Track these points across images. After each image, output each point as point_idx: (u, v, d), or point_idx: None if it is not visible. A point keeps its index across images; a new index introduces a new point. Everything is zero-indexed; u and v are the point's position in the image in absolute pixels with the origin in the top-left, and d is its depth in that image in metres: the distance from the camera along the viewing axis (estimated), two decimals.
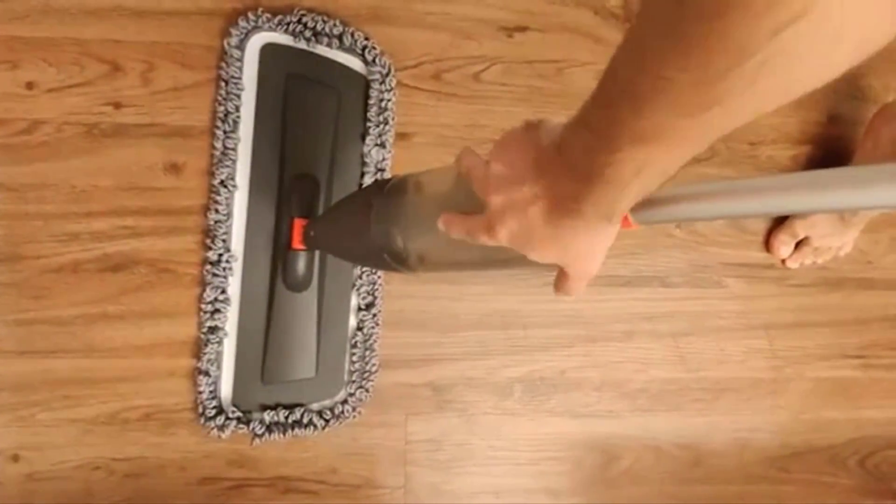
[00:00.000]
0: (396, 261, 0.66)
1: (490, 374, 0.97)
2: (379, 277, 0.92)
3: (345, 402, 0.92)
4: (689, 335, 1.01)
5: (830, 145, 1.01)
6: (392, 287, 0.94)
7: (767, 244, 1.01)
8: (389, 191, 0.67)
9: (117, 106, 0.88)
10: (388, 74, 0.92)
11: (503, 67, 0.96)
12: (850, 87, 1.02)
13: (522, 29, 0.96)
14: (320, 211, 0.89)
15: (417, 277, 0.93)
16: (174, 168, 0.89)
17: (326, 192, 0.90)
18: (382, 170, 0.92)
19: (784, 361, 1.03)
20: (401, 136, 0.94)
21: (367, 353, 0.93)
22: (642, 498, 1.00)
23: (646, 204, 0.46)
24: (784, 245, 0.99)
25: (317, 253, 0.90)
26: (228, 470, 0.92)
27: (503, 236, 0.50)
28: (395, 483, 0.96)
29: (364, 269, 0.92)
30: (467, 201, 0.55)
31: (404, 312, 0.95)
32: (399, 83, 0.94)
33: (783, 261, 1.02)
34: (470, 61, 0.95)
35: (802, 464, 1.04)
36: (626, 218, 0.48)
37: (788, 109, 1.00)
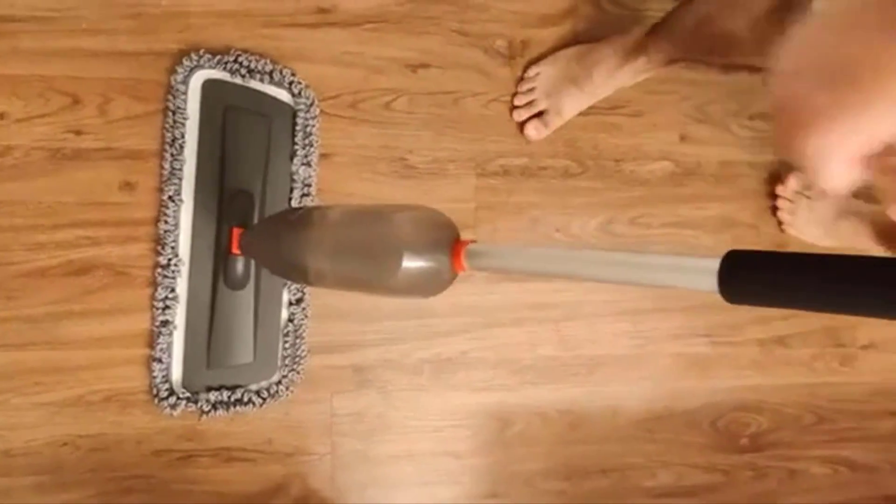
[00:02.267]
0: (301, 277, 0.86)
1: (404, 356, 1.19)
2: None
3: (279, 382, 1.13)
4: (567, 320, 1.25)
5: (681, 160, 1.27)
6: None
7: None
8: (299, 218, 0.87)
9: (78, 133, 1.07)
10: (311, 104, 1.13)
11: (409, 98, 1.18)
12: (697, 111, 1.28)
13: (425, 66, 1.19)
14: (255, 221, 1.10)
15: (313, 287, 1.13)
16: (128, 186, 1.08)
17: (260, 205, 1.11)
18: (309, 185, 1.13)
19: (646, 340, 1.28)
20: (323, 157, 1.15)
21: (298, 341, 1.14)
22: (532, 456, 1.24)
23: (479, 255, 0.68)
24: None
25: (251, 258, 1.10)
26: (178, 443, 1.12)
27: None
28: (323, 450, 1.17)
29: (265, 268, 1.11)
30: (362, 245, 0.76)
31: (331, 306, 1.17)
32: (322, 112, 1.15)
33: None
34: (381, 93, 1.17)
35: (664, 426, 1.30)
36: (460, 263, 0.69)
37: (647, 131, 1.26)
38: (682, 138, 1.27)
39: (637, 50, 1.10)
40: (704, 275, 0.50)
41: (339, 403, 1.17)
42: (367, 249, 0.76)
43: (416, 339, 1.19)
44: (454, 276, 0.70)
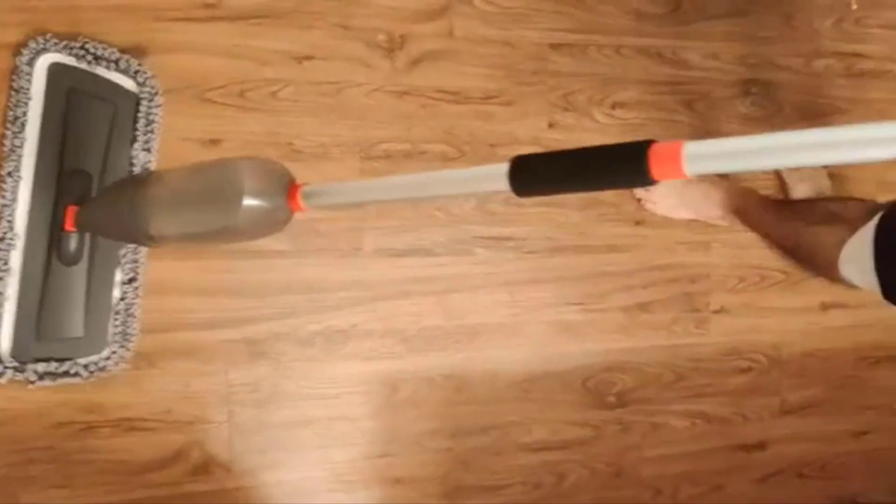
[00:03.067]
0: (145, 238, 0.94)
1: (295, 329, 1.30)
2: (141, 256, 1.19)
3: (108, 358, 1.18)
4: (450, 292, 1.37)
5: (550, 145, 1.41)
6: (211, 262, 1.24)
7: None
8: (137, 182, 0.94)
9: None
10: (155, 94, 1.19)
11: (294, 88, 1.28)
12: (563, 101, 1.42)
13: (309, 58, 1.28)
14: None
15: (162, 249, 1.19)
16: None
17: (98, 185, 1.14)
18: (147, 169, 1.18)
19: (523, 310, 1.41)
20: (213, 143, 1.24)
21: (129, 318, 1.19)
22: (420, 418, 1.37)
23: (313, 195, 0.79)
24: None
25: (87, 235, 1.14)
26: (80, 415, 1.19)
27: None
28: (221, 419, 1.27)
29: (127, 250, 1.17)
30: (202, 193, 0.86)
31: (223, 282, 1.26)
32: (210, 100, 1.24)
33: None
34: (267, 83, 1.27)
35: (540, 386, 1.44)
36: (297, 202, 0.79)
37: (518, 118, 1.39)
38: (551, 125, 1.40)
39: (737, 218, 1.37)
40: (498, 178, 0.65)
41: (234, 375, 1.27)
42: (208, 197, 0.85)
43: (307, 314, 1.29)
44: (291, 215, 0.81)
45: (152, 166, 1.19)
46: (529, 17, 1.37)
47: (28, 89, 1.12)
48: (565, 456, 1.45)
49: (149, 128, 1.19)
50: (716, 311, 1.51)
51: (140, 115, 1.18)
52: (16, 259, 1.13)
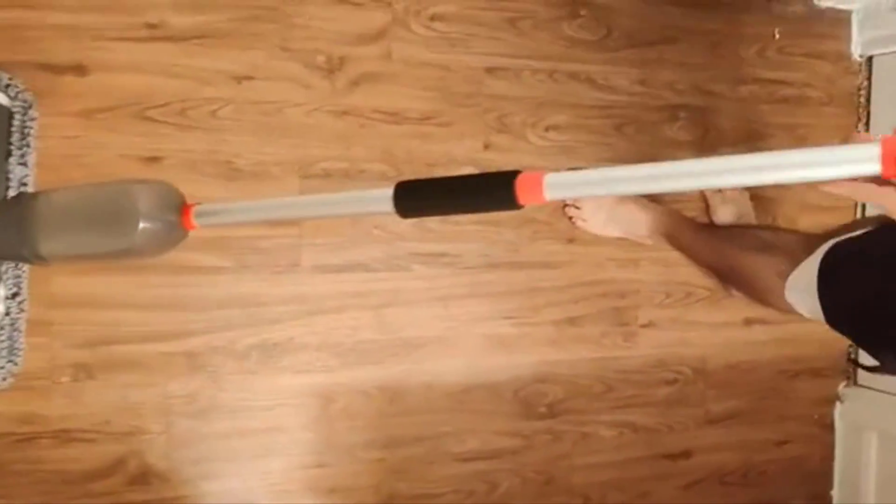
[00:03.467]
0: (34, 257, 0.93)
1: (233, 342, 1.34)
2: (23, 272, 1.17)
3: None
4: (386, 307, 1.43)
5: (485, 166, 1.47)
6: (151, 277, 1.28)
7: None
8: (22, 203, 0.95)
9: None
10: (29, 107, 1.17)
11: (234, 107, 1.32)
12: (499, 123, 1.48)
13: (249, 78, 1.33)
14: None
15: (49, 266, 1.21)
16: None
17: None
18: (25, 184, 1.16)
19: (457, 323, 1.47)
20: (153, 160, 1.28)
21: (15, 333, 1.17)
22: (354, 429, 1.42)
23: (206, 214, 0.84)
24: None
25: None
26: (19, 426, 1.22)
27: None
28: (159, 429, 1.31)
29: (8, 265, 1.15)
30: (97, 215, 0.88)
31: (163, 297, 1.30)
32: (150, 118, 1.28)
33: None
34: (208, 102, 1.31)
35: (473, 398, 1.50)
36: (190, 221, 0.83)
37: (455, 139, 1.45)
38: (486, 146, 1.46)
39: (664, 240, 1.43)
40: (384, 201, 0.72)
41: (172, 387, 1.31)
42: (104, 219, 0.88)
43: (244, 327, 1.34)
44: (186, 234, 0.86)
45: (30, 181, 1.18)
46: (466, 42, 1.43)
47: None
48: (497, 465, 1.51)
49: (24, 141, 1.16)
50: (644, 326, 1.58)
51: (14, 129, 1.16)
52: None
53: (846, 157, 0.55)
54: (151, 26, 1.27)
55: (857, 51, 1.68)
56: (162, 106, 1.28)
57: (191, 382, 1.31)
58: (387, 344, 1.43)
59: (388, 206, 0.72)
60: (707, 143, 1.57)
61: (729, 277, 1.34)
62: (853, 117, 1.69)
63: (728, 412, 1.67)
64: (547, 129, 1.49)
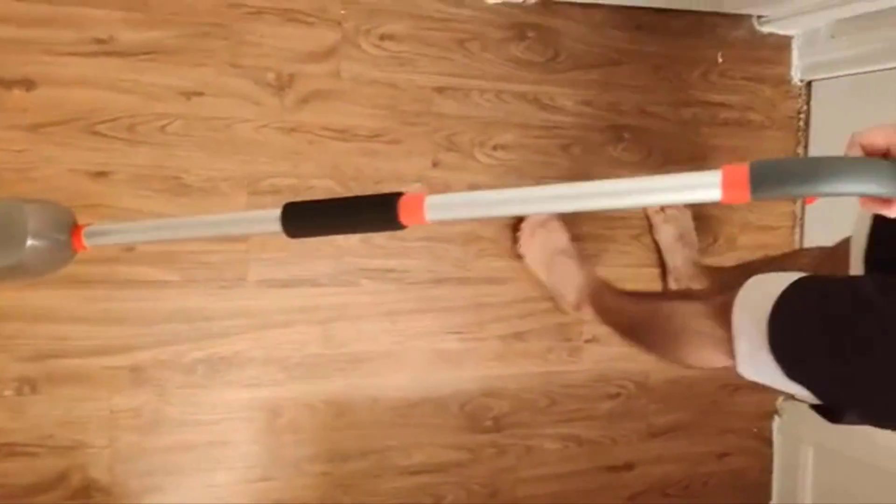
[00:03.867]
0: None
1: (179, 356, 1.35)
2: None
3: None
4: (333, 321, 1.45)
5: (433, 183, 1.50)
6: (97, 291, 1.30)
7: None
8: None
9: None
10: None
11: (184, 122, 1.34)
12: (447, 141, 1.51)
13: (199, 94, 1.35)
14: None
15: None
16: None
17: None
18: None
19: (404, 338, 1.50)
20: (100, 175, 1.29)
21: None
22: (300, 442, 1.44)
23: (96, 234, 0.87)
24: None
25: None
26: None
27: None
28: (103, 444, 1.32)
29: None
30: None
31: (109, 311, 1.31)
32: (99, 133, 1.29)
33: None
34: (157, 117, 1.32)
35: (420, 412, 1.53)
36: (80, 242, 0.84)
37: (403, 157, 1.48)
38: (435, 164, 1.50)
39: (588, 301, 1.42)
40: (272, 221, 0.77)
41: (117, 401, 1.32)
42: None
43: (190, 342, 1.35)
44: (74, 254, 0.89)
45: None
46: (415, 62, 1.46)
47: None
48: (442, 478, 1.54)
49: None
50: (588, 341, 1.63)
51: None
52: None
53: (691, 184, 0.63)
54: (100, 41, 1.28)
55: (797, 76, 1.74)
56: (111, 121, 1.30)
57: (136, 397, 1.33)
58: (333, 358, 1.45)
59: (276, 226, 0.76)
60: (650, 163, 1.62)
61: (646, 328, 1.26)
62: (793, 141, 1.75)
63: (670, 425, 1.72)
64: (495, 147, 1.53)
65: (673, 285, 1.62)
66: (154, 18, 1.31)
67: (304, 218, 0.77)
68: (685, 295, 1.12)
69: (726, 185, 0.61)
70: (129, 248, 1.31)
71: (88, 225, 0.88)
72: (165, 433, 1.35)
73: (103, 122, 1.29)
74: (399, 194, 0.72)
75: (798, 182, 0.61)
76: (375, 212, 0.73)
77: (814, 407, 0.99)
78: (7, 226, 0.90)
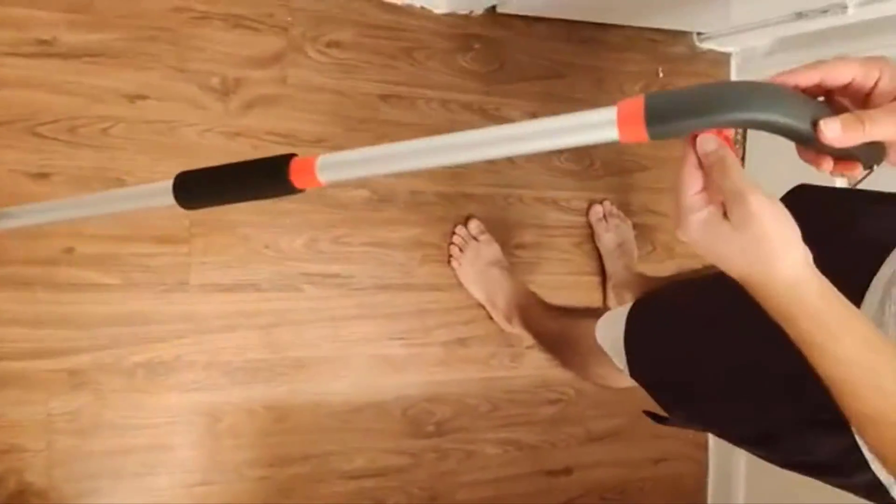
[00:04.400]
0: None
1: (119, 360, 1.35)
2: None
3: None
4: (276, 326, 1.47)
5: (378, 189, 1.53)
6: (38, 294, 1.29)
7: None
8: None
9: None
10: None
11: (126, 125, 1.34)
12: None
13: (143, 97, 1.35)
14: None
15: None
16: None
17: None
18: None
19: (347, 344, 1.52)
20: (41, 176, 1.29)
21: None
22: (240, 447, 1.45)
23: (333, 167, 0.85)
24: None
25: None
26: None
27: None
28: (39, 447, 1.31)
29: None
30: None
31: (49, 314, 1.31)
32: (40, 135, 1.29)
33: None
34: (99, 120, 1.32)
35: (362, 417, 1.55)
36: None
37: None
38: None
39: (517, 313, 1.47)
40: (165, 193, 0.76)
41: (55, 404, 1.32)
42: None
43: (130, 345, 1.36)
44: None
45: None
46: (361, 69, 1.49)
47: None
48: (383, 482, 1.57)
49: None
50: (529, 347, 1.66)
51: None
52: None
53: (586, 123, 0.59)
54: (43, 42, 1.29)
55: None
56: (52, 122, 1.30)
57: (74, 400, 1.33)
58: (275, 363, 1.47)
59: (169, 198, 0.75)
60: (590, 173, 1.67)
61: (561, 344, 1.34)
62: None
63: (608, 431, 1.77)
64: None
65: (611, 292, 1.67)
66: (99, 21, 1.31)
67: (197, 186, 0.76)
68: (596, 314, 1.18)
69: (622, 122, 0.57)
70: (69, 250, 1.31)
71: None
72: (104, 437, 1.35)
73: (45, 123, 1.29)
74: (291, 156, 0.70)
75: (695, 111, 0.56)
76: (268, 175, 0.72)
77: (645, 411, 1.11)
78: None
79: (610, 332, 1.10)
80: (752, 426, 0.92)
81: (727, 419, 0.96)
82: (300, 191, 0.71)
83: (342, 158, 0.70)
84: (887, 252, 0.77)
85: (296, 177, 0.70)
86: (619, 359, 1.06)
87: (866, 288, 0.76)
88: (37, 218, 0.92)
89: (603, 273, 1.69)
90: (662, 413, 1.05)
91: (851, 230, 0.85)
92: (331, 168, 0.70)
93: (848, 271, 0.62)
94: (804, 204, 0.66)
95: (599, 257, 1.69)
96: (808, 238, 0.58)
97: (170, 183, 0.75)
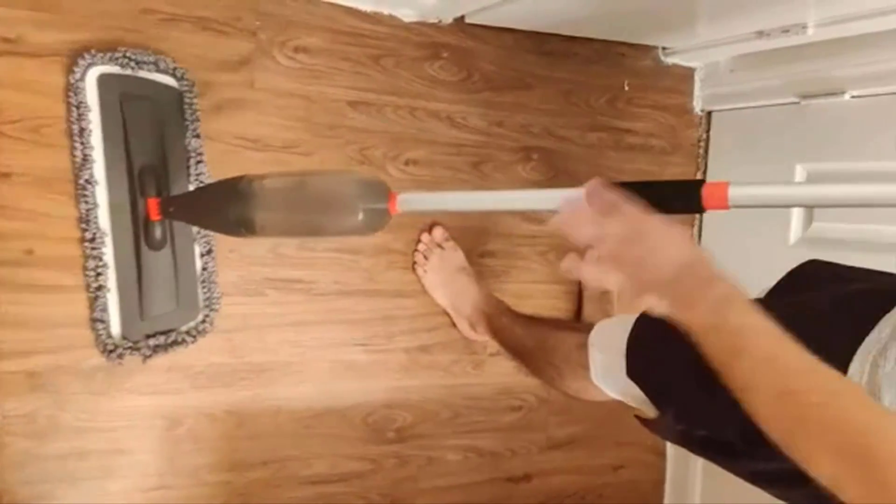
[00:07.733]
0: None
1: (77, 362, 1.35)
2: (210, 233, 1.36)
3: (203, 321, 1.39)
4: (239, 331, 1.47)
5: None
6: None
7: None
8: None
9: None
10: (192, 86, 1.35)
11: None
12: (360, 154, 1.55)
13: None
14: (164, 190, 1.30)
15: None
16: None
17: (166, 176, 1.31)
18: (201, 153, 1.36)
19: (309, 349, 1.53)
20: (3, 176, 1.29)
21: (212, 285, 1.39)
22: (199, 451, 1.45)
23: (407, 202, 1.00)
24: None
25: (167, 221, 1.29)
26: None
27: None
28: None
29: (202, 228, 1.34)
30: (323, 194, 1.07)
31: (6, 315, 1.29)
32: (3, 134, 1.29)
33: None
34: (63, 120, 1.33)
35: (322, 422, 1.56)
36: (394, 206, 1.00)
37: (316, 166, 1.51)
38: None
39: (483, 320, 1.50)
40: None
41: (10, 406, 1.31)
42: (328, 204, 1.09)
43: (90, 347, 1.35)
44: (390, 217, 1.04)
45: (203, 150, 1.37)
46: (329, 75, 1.50)
47: (84, 102, 1.27)
48: (343, 488, 1.58)
49: (193, 116, 1.35)
50: (492, 354, 1.69)
51: (185, 105, 1.34)
52: (109, 254, 1.29)
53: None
54: (8, 41, 1.28)
55: (698, 105, 1.85)
56: (16, 122, 1.29)
57: (29, 402, 1.32)
58: (237, 368, 1.47)
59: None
60: (557, 183, 1.70)
61: (533, 352, 1.36)
62: (692, 166, 1.86)
63: (568, 438, 1.80)
64: (407, 162, 1.58)
65: (587, 302, 1.71)
66: (66, 21, 1.31)
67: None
68: (572, 327, 1.20)
69: None
70: (29, 252, 1.31)
71: (400, 193, 1.03)
72: (59, 440, 1.35)
73: (8, 122, 1.29)
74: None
75: None
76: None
77: (637, 417, 1.12)
78: (336, 197, 1.08)
79: (611, 332, 1.12)
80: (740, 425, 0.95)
81: (716, 417, 0.98)
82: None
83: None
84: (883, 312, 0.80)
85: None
86: (617, 358, 1.08)
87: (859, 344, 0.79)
88: (426, 205, 1.15)
89: (580, 282, 1.72)
90: (648, 416, 1.07)
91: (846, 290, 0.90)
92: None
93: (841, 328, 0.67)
94: (808, 274, 0.72)
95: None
96: (805, 300, 0.63)
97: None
